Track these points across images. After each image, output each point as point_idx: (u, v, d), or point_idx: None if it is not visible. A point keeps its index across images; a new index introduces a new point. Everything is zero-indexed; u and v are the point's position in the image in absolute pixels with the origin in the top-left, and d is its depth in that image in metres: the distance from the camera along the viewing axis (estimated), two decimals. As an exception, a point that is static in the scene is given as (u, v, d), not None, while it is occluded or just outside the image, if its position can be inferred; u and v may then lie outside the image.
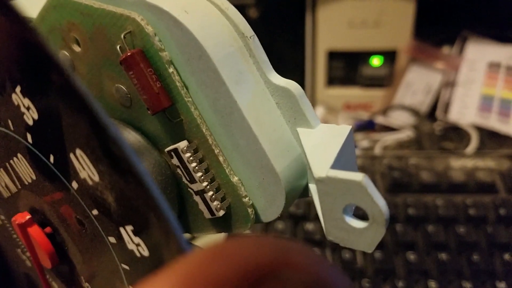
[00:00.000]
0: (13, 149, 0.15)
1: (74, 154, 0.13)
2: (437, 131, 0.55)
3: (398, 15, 0.57)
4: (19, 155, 0.15)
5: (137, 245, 0.13)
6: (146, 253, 0.13)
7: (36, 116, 0.13)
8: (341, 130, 0.15)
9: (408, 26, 0.57)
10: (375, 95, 0.61)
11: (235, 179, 0.16)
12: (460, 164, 0.46)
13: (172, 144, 0.16)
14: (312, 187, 0.16)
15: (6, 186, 0.17)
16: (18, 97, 0.13)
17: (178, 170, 0.16)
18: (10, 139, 0.15)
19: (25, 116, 0.13)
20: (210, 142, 0.16)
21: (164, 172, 0.17)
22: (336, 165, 0.14)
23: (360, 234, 0.14)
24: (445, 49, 0.62)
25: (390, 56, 0.59)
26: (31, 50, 0.11)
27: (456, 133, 0.55)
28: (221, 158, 0.16)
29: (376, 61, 0.60)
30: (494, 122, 0.54)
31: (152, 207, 0.11)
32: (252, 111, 0.15)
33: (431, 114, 0.58)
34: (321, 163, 0.14)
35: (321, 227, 0.15)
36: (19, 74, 0.13)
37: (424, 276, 0.38)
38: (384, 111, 0.59)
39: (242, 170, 0.16)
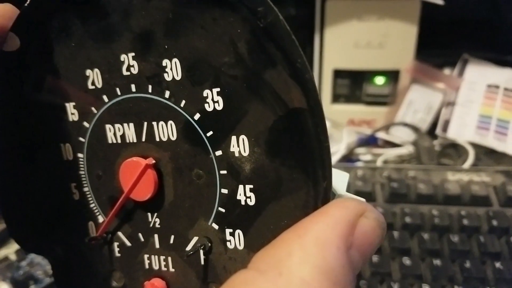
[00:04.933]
0: (165, 116, 0.17)
1: (237, 137, 0.16)
2: (436, 147, 0.57)
3: (401, 37, 0.60)
4: (170, 122, 0.17)
5: (248, 197, 0.16)
6: (252, 203, 0.16)
7: (219, 108, 0.16)
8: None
9: (411, 48, 0.61)
10: (378, 112, 0.64)
11: None
12: (457, 178, 0.48)
13: None
14: None
15: (123, 136, 0.19)
16: (210, 92, 0.16)
17: None
18: (171, 110, 0.17)
19: (206, 104, 0.16)
20: None
21: None
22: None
23: None
24: (446, 71, 0.65)
25: (393, 75, 0.63)
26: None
27: (454, 150, 0.57)
28: None
29: (379, 80, 0.63)
30: (491, 141, 0.57)
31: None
32: None
33: (431, 132, 0.60)
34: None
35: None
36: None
37: (418, 280, 0.40)
38: (387, 128, 0.61)
39: None
